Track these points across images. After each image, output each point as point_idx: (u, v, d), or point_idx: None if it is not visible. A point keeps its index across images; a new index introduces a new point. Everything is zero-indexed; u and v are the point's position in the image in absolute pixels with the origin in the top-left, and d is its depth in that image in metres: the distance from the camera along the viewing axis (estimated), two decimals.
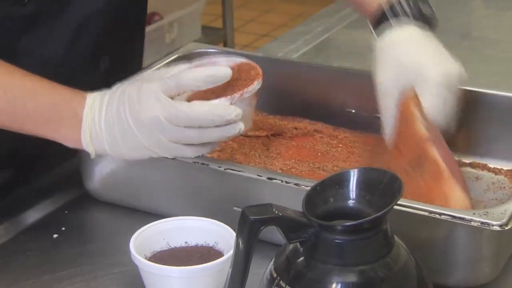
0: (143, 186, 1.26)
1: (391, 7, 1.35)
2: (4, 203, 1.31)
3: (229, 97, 1.14)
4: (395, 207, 0.97)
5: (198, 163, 1.19)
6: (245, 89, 1.16)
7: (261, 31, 4.88)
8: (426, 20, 1.36)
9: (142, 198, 1.26)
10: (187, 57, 1.45)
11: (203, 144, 1.15)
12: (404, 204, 1.06)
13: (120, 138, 1.15)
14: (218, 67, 1.16)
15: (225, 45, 4.17)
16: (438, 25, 1.92)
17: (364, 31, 1.86)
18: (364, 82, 1.38)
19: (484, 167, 1.35)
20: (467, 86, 1.35)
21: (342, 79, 1.48)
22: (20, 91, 1.19)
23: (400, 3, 1.35)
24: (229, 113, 1.12)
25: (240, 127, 1.14)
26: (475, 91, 1.37)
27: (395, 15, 1.34)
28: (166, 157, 1.19)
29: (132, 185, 1.26)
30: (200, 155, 1.16)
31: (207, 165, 1.19)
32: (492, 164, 1.33)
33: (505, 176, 1.28)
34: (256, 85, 1.17)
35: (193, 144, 1.14)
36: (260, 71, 1.20)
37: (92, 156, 1.17)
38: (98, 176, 1.28)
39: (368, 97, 1.37)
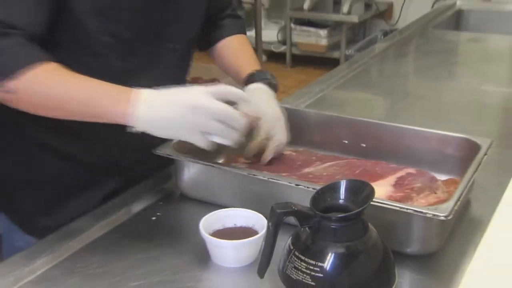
0: (214, 187, 1.24)
1: (250, 76, 1.34)
2: (119, 197, 1.28)
3: (247, 115, 1.11)
4: (385, 205, 1.02)
5: (249, 175, 1.16)
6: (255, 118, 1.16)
7: (279, 90, 4.86)
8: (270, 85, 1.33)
9: (213, 195, 1.23)
10: None
11: (207, 140, 1.08)
12: (390, 203, 1.03)
13: (164, 117, 1.05)
14: (244, 93, 1.15)
15: None
16: (380, 88, 1.94)
17: (346, 92, 1.86)
18: (345, 123, 1.36)
19: None
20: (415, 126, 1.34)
21: (332, 121, 1.43)
22: (76, 82, 1.09)
23: (254, 75, 1.33)
24: (243, 123, 1.09)
25: (238, 136, 1.11)
26: (421, 130, 1.34)
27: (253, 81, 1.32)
28: (230, 170, 1.19)
29: (207, 186, 1.24)
30: (207, 148, 1.10)
31: (256, 175, 1.16)
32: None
33: (442, 184, 1.21)
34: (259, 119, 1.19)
35: (205, 136, 1.07)
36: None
37: (133, 130, 1.06)
38: (187, 180, 1.26)
39: (351, 133, 1.37)
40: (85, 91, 1.08)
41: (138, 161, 1.33)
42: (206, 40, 1.47)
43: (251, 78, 1.33)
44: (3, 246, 1.40)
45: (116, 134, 1.10)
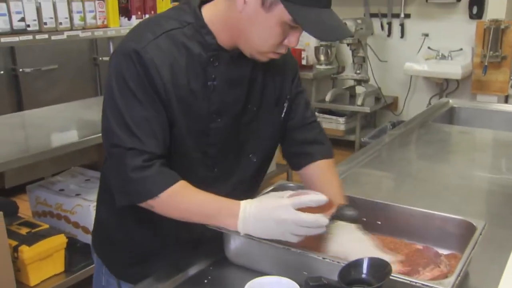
0: (255, 257, 1.19)
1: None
2: (178, 262, 1.24)
3: (326, 214, 1.08)
4: (400, 278, 0.96)
5: (284, 247, 1.12)
6: (331, 211, 1.10)
7: None
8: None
9: (254, 263, 1.19)
10: (279, 188, 1.37)
11: (300, 236, 1.07)
12: (403, 278, 0.99)
13: (261, 228, 1.08)
14: (322, 196, 1.09)
15: (287, 179, 4.12)
16: (391, 171, 1.88)
17: (363, 174, 1.82)
18: (365, 204, 1.32)
19: None
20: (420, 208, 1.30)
21: (353, 201, 1.33)
22: (198, 202, 1.14)
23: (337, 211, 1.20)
24: (325, 222, 1.06)
25: (325, 229, 1.09)
26: (427, 212, 1.30)
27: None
28: (272, 244, 1.13)
29: (249, 255, 1.20)
30: (296, 242, 1.09)
31: (289, 248, 1.11)
32: (437, 250, 1.22)
33: (444, 258, 1.16)
34: (334, 209, 1.12)
35: (296, 236, 1.07)
36: (334, 204, 1.13)
37: (241, 234, 1.11)
38: (233, 249, 1.22)
39: (369, 213, 1.31)
40: (205, 209, 1.14)
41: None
42: (297, 163, 1.39)
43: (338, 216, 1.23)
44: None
45: None
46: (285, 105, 1.32)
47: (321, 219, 1.06)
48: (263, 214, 1.09)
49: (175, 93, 1.13)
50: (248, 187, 1.28)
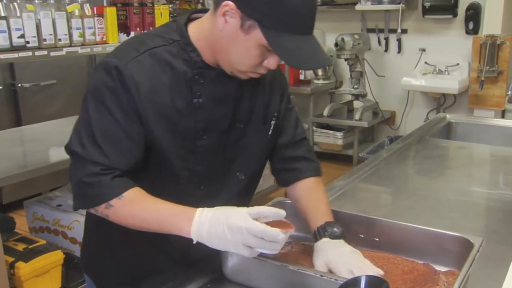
0: (252, 274, 1.18)
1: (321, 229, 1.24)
2: (176, 280, 1.23)
3: (284, 230, 1.01)
4: None
5: (282, 265, 1.11)
6: (290, 230, 1.04)
7: None
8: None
9: (251, 280, 1.19)
10: (275, 206, 1.36)
11: (253, 251, 1.03)
12: None
13: (215, 235, 1.03)
14: (281, 210, 1.06)
15: (285, 194, 4.08)
16: (389, 187, 1.87)
17: (361, 189, 1.81)
18: (362, 221, 1.31)
19: None
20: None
21: (351, 218, 1.36)
22: (154, 208, 1.11)
23: (323, 228, 1.24)
24: (281, 238, 1.01)
25: (279, 247, 1.03)
26: (425, 229, 1.29)
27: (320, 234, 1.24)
28: (270, 262, 1.12)
29: (247, 273, 1.19)
30: (249, 256, 1.04)
31: (287, 266, 1.10)
32: (436, 267, 1.23)
33: (442, 275, 1.17)
34: (293, 230, 1.05)
35: (249, 248, 1.02)
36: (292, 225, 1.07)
37: (194, 242, 1.06)
38: (230, 266, 1.21)
39: (366, 229, 1.30)
40: (160, 214, 1.10)
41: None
42: (285, 179, 1.38)
43: (321, 232, 1.24)
44: None
45: None
46: (272, 122, 1.31)
47: (277, 232, 1.01)
48: (218, 219, 1.04)
49: (156, 111, 1.13)
50: (237, 205, 1.29)
